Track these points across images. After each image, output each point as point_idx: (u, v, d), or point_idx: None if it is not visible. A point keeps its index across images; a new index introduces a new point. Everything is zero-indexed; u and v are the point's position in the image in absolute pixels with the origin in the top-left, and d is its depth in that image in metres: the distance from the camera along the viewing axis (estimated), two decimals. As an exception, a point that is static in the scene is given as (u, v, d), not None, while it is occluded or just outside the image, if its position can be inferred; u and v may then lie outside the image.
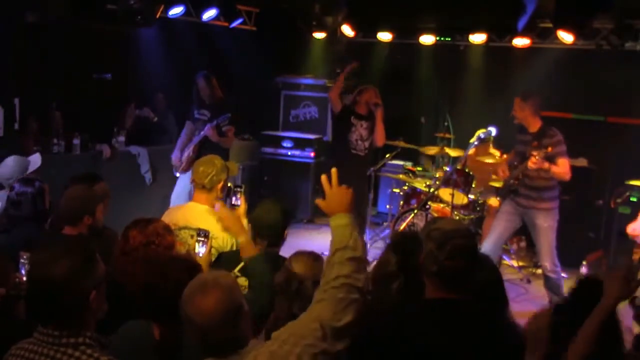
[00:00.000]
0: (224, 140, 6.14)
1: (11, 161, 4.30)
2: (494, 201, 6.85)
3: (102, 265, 2.04)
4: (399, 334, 2.12)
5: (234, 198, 3.76)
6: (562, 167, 5.29)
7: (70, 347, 1.91)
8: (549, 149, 5.15)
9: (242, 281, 3.09)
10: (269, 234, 3.25)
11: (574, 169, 6.99)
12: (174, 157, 6.38)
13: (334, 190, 2.19)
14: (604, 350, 2.29)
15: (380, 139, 6.38)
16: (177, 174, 6.34)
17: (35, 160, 4.40)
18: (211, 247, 3.28)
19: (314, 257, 2.65)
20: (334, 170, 2.22)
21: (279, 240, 3.31)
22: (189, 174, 5.62)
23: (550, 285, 5.47)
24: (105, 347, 1.99)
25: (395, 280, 2.54)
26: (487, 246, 5.52)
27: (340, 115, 6.49)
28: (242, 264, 3.14)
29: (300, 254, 2.72)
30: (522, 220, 5.55)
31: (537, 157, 5.08)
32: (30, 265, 2.05)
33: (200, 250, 3.16)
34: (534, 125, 5.39)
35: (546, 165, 5.15)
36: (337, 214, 2.13)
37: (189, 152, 6.17)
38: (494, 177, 6.67)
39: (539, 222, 5.42)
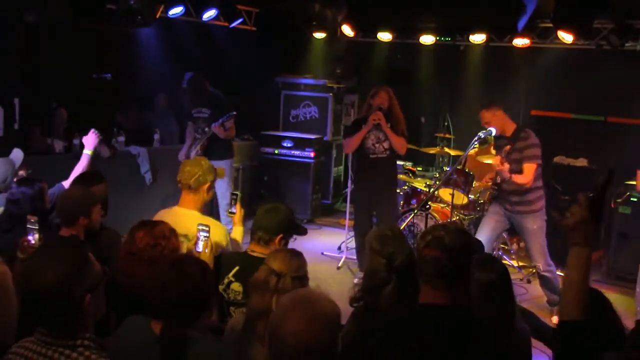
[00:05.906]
0: (227, 134, 6.28)
1: None
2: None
3: (98, 267, 2.00)
4: (387, 342, 2.08)
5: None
6: (524, 175, 5.13)
7: (67, 348, 1.91)
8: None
9: (237, 286, 3.07)
10: (266, 236, 3.21)
11: (573, 169, 6.96)
12: (181, 157, 6.34)
13: None
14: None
15: (398, 147, 5.99)
16: None
17: (17, 155, 4.31)
18: (212, 244, 3.25)
19: (292, 253, 2.65)
20: None
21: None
22: None
23: (547, 284, 5.44)
24: (104, 349, 1.97)
25: (388, 284, 2.56)
26: None
27: (352, 129, 6.13)
28: (237, 268, 3.11)
29: (278, 252, 2.73)
30: (510, 223, 5.51)
31: (500, 162, 5.07)
32: (23, 272, 2.01)
33: (200, 244, 3.13)
34: (509, 128, 5.31)
35: (508, 175, 5.08)
36: None
37: (196, 150, 6.22)
38: (485, 180, 6.63)
39: (527, 225, 5.34)
